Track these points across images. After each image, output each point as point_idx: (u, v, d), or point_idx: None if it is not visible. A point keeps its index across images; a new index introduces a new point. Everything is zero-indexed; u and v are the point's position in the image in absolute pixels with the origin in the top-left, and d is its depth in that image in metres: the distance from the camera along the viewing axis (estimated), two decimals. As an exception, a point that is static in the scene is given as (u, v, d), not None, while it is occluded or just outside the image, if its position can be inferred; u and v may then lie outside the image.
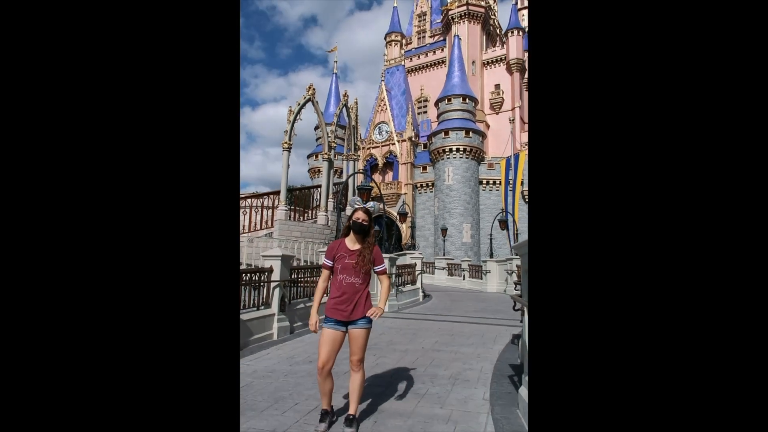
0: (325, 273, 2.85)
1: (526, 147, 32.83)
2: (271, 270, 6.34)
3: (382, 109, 39.54)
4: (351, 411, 2.73)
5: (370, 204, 2.98)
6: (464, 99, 35.11)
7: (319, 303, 2.82)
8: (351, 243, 2.80)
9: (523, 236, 22.03)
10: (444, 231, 28.18)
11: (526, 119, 40.03)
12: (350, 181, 13.78)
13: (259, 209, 11.90)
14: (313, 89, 12.57)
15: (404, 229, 34.81)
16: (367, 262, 2.76)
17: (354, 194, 13.43)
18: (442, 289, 17.73)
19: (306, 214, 13.49)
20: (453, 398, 3.47)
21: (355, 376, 2.73)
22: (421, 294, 12.81)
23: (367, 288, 2.82)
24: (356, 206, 2.87)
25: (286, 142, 12.06)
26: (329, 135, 13.14)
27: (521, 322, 3.75)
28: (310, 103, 12.73)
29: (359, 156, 16.49)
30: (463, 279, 20.31)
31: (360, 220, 2.77)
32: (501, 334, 6.71)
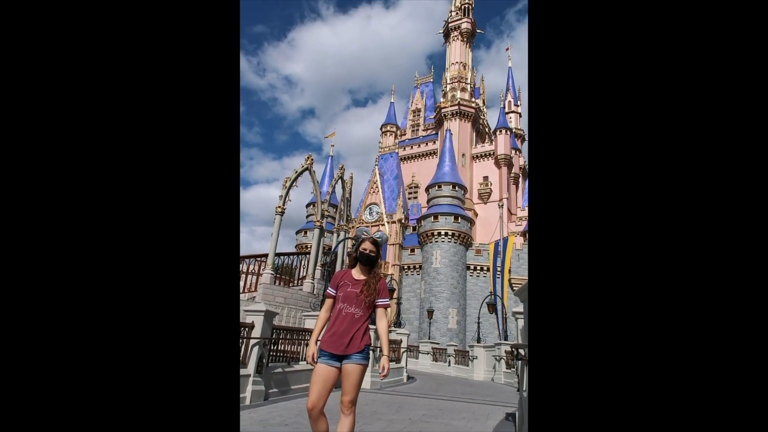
0: (328, 303, 2.71)
1: (515, 235, 33.54)
2: (252, 326, 5.98)
3: (374, 191, 40.79)
4: None
5: (378, 234, 2.89)
6: (454, 186, 36.56)
7: (319, 333, 2.65)
8: (357, 274, 2.71)
9: (513, 321, 21.59)
10: (430, 313, 27.48)
11: (513, 211, 41.42)
12: (340, 248, 13.69)
13: (244, 274, 11.60)
14: (311, 159, 13.03)
15: (391, 305, 33.98)
16: (371, 292, 2.63)
17: (343, 264, 13.27)
18: (426, 374, 16.87)
19: (291, 283, 13.17)
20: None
21: (344, 420, 2.45)
22: (405, 374, 12.10)
23: (367, 322, 2.64)
24: (363, 236, 2.79)
25: (279, 207, 12.16)
26: (323, 203, 13.32)
27: (519, 375, 3.48)
28: (306, 174, 13.09)
29: (350, 227, 16.61)
30: (449, 365, 19.45)
31: (367, 251, 2.69)
32: (493, 412, 6.22)
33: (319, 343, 2.61)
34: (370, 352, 2.77)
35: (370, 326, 2.76)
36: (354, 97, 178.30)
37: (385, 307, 2.70)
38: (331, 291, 2.71)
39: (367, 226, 39.26)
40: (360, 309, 2.59)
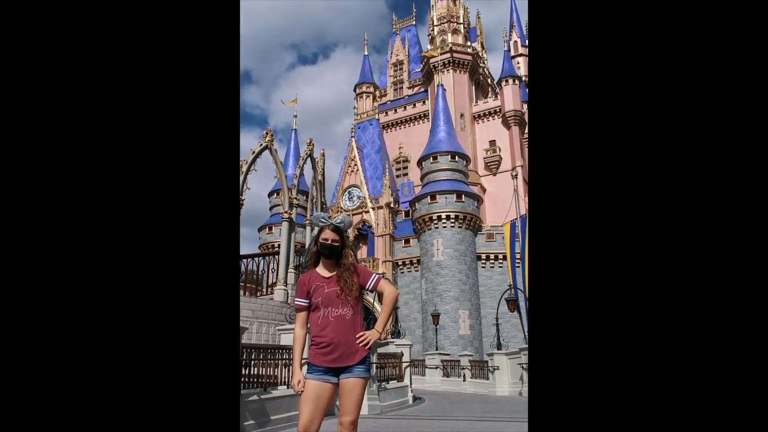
0: (301, 317, 2.77)
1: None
2: (216, 346, 6.09)
3: (352, 171, 40.84)
4: None
5: (338, 218, 2.94)
6: (453, 156, 36.78)
7: (302, 355, 2.73)
8: (323, 271, 2.77)
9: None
10: (436, 318, 27.83)
11: (528, 181, 41.64)
12: (317, 245, 13.77)
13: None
14: (271, 135, 13.02)
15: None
16: (351, 285, 2.70)
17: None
18: (436, 393, 17.19)
19: (259, 291, 13.24)
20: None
21: None
22: (410, 394, 12.36)
23: (361, 321, 2.75)
24: (321, 224, 2.81)
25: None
26: (290, 190, 13.35)
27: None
28: (266, 156, 13.08)
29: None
30: (463, 380, 19.78)
31: (329, 241, 2.73)
32: (525, 430, 6.45)
33: (305, 361, 2.70)
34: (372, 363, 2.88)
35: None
36: (300, 53, 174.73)
37: (379, 280, 2.78)
38: (301, 301, 2.74)
39: (349, 214, 39.27)
40: (348, 308, 2.67)
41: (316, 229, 2.88)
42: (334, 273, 2.74)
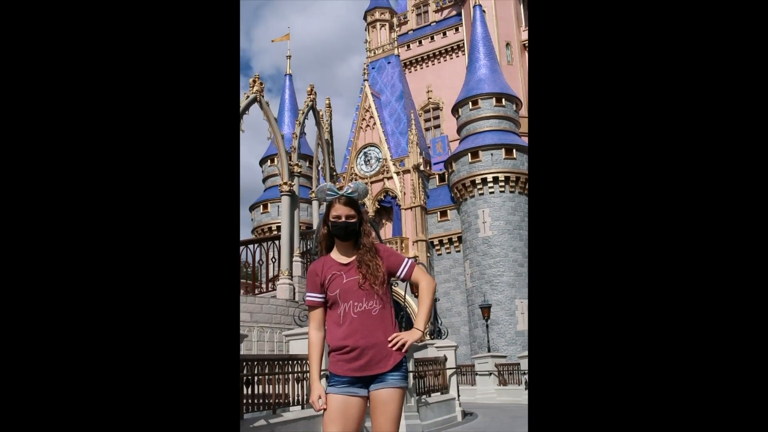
0: (315, 316, 2.79)
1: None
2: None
3: (368, 125, 40.75)
4: None
5: (350, 187, 2.93)
6: (499, 99, 36.44)
7: (320, 364, 2.77)
8: (340, 256, 2.80)
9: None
10: (486, 310, 27.97)
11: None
12: (328, 225, 13.86)
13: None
14: (261, 83, 13.03)
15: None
16: (377, 271, 2.72)
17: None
18: (491, 406, 17.46)
19: (258, 288, 13.42)
20: None
21: None
22: (458, 409, 12.53)
23: (392, 315, 2.78)
24: (329, 197, 2.80)
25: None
26: (289, 156, 13.39)
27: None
28: (256, 107, 13.10)
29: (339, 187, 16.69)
30: (526, 388, 19.93)
31: (342, 218, 2.73)
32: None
33: (325, 372, 2.74)
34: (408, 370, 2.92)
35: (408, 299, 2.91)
36: None
37: (412, 267, 2.85)
38: (314, 297, 2.77)
39: (366, 182, 39.42)
40: (375, 301, 2.70)
41: (324, 205, 2.89)
42: (354, 258, 2.77)
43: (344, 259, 2.78)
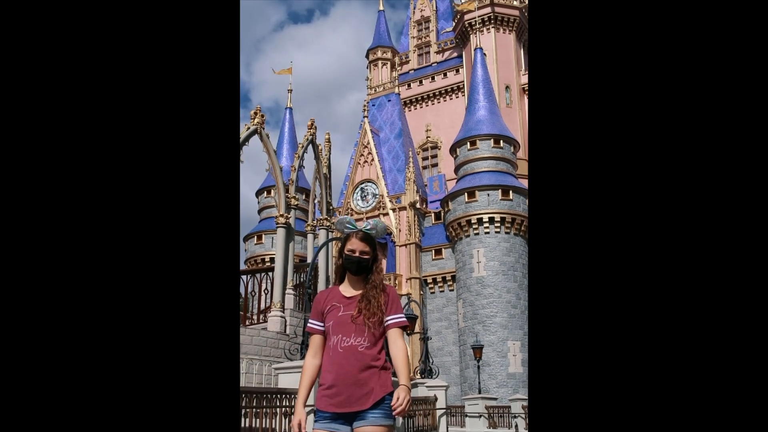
0: (314, 342, 2.83)
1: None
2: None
3: (366, 161, 40.96)
4: None
5: (369, 224, 3.00)
6: (497, 141, 36.74)
7: (308, 391, 2.77)
8: (347, 289, 2.84)
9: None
10: (478, 351, 27.76)
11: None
12: (322, 258, 13.82)
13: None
14: (262, 115, 13.13)
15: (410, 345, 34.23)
16: (375, 309, 2.73)
17: (328, 280, 13.40)
18: (480, 449, 17.13)
19: (248, 319, 13.33)
20: None
21: None
22: (448, 451, 12.32)
23: (382, 354, 2.76)
24: (347, 230, 2.87)
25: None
26: (286, 187, 13.42)
27: None
28: (256, 138, 13.18)
29: (334, 223, 16.73)
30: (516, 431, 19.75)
31: (357, 253, 2.78)
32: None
33: (312, 405, 2.72)
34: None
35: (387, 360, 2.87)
36: (290, 8, 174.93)
37: (401, 326, 2.81)
38: (315, 324, 2.81)
39: (361, 218, 39.48)
40: (363, 338, 2.70)
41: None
42: (359, 292, 2.79)
43: (350, 292, 2.81)
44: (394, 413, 2.64)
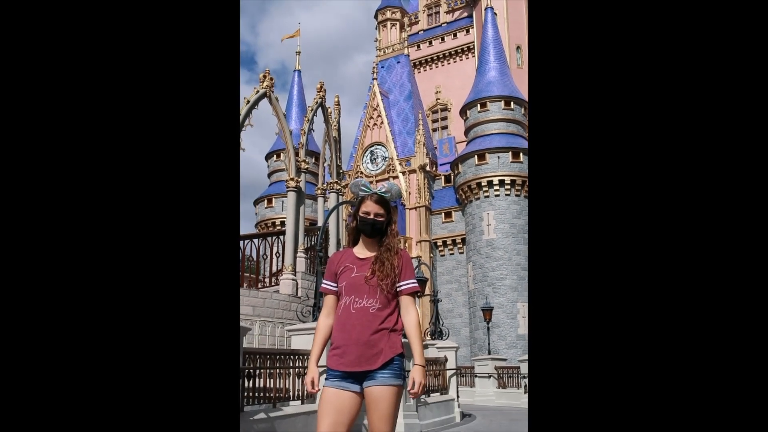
0: (327, 303, 2.84)
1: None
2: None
3: (375, 124, 40.74)
4: None
5: (384, 186, 3.00)
6: (507, 103, 36.43)
7: (321, 350, 2.81)
8: (361, 251, 2.85)
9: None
10: (487, 313, 27.97)
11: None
12: (332, 221, 13.87)
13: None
14: (271, 79, 13.04)
15: (420, 307, 34.52)
16: (388, 271, 2.74)
17: (338, 243, 13.47)
18: (489, 408, 17.48)
19: (261, 282, 13.46)
20: None
21: None
22: (457, 410, 12.57)
23: (392, 318, 2.76)
24: (362, 192, 2.89)
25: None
26: (296, 150, 13.41)
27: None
28: (265, 102, 13.13)
29: (344, 185, 16.75)
30: (525, 392, 19.94)
31: (371, 215, 2.81)
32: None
33: (323, 367, 2.76)
34: (406, 364, 2.94)
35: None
36: None
37: (413, 292, 2.82)
38: (328, 285, 2.83)
39: (371, 181, 39.40)
40: (375, 299, 2.71)
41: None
42: (373, 254, 2.81)
43: (363, 254, 2.83)
44: (410, 395, 2.69)
